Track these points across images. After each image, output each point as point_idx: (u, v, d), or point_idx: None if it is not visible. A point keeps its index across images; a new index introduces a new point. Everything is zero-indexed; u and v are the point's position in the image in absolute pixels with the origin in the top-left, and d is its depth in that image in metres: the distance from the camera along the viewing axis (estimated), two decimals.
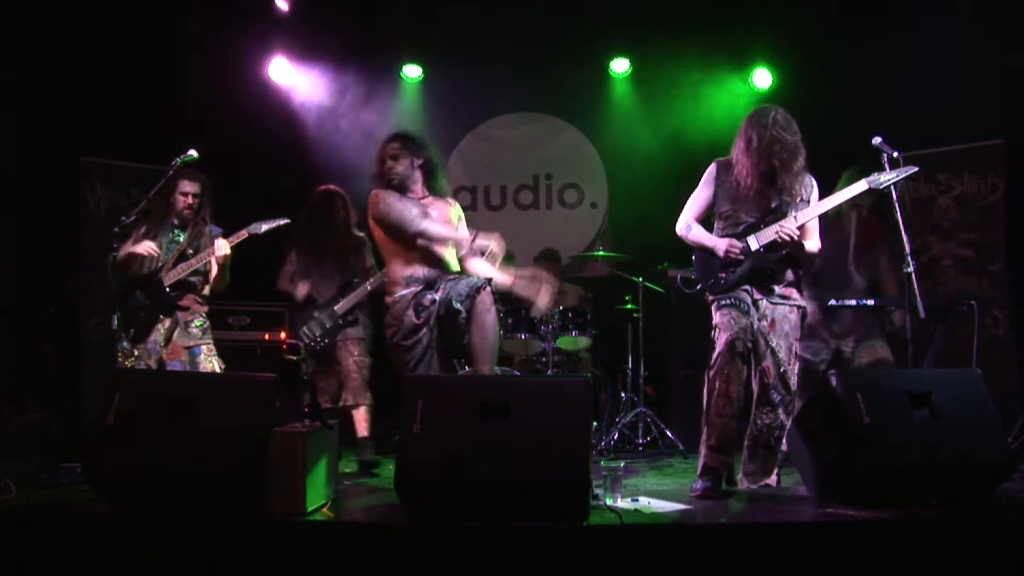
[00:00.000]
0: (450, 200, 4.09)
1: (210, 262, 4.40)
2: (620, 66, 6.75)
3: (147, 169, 5.95)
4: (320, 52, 6.61)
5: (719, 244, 3.62)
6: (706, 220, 3.80)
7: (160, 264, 4.38)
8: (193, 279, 4.41)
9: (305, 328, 4.68)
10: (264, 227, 4.37)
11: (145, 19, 5.84)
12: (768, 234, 3.58)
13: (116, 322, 4.20)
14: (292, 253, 4.83)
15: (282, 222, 4.44)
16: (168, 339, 4.35)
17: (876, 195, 3.72)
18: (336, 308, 4.67)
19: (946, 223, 5.82)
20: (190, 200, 4.43)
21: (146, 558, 2.80)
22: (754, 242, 3.59)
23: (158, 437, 3.05)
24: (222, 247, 4.29)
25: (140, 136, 5.93)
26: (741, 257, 3.58)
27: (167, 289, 4.34)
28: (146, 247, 4.30)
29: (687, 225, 3.75)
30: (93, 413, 4.12)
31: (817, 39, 6.08)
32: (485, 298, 3.71)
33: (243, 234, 4.35)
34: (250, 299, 5.66)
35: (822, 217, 3.71)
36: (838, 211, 4.18)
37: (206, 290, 4.49)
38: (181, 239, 4.44)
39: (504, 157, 7.10)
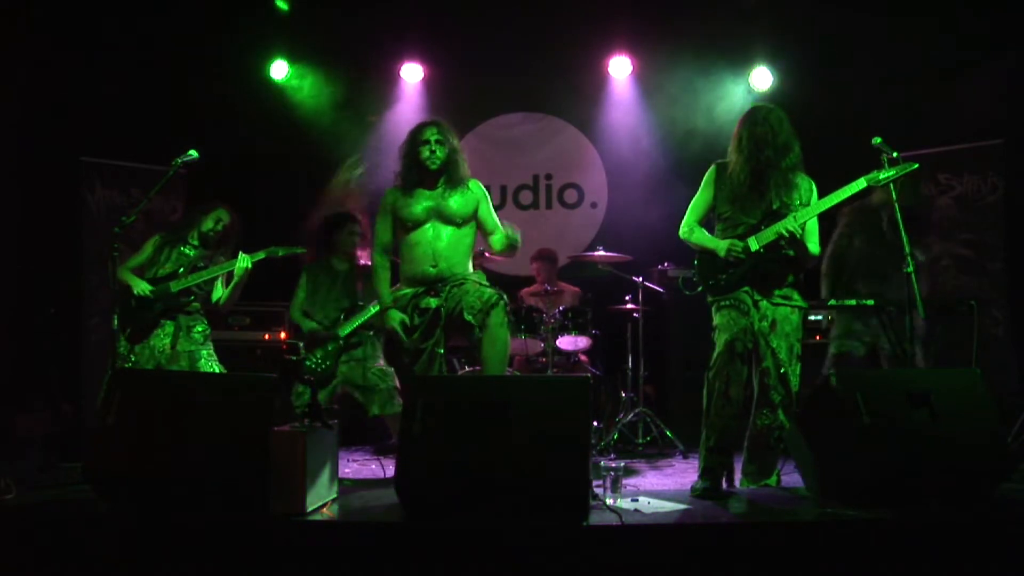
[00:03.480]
0: (469, 187, 3.97)
1: (217, 279, 4.43)
2: (620, 66, 6.75)
3: (147, 169, 5.97)
4: (320, 52, 6.61)
5: (720, 245, 3.64)
6: (709, 223, 3.82)
7: (168, 272, 4.40)
8: (197, 290, 4.43)
9: (308, 353, 4.70)
10: (282, 252, 4.44)
11: (145, 19, 5.84)
12: (768, 235, 3.58)
13: (116, 322, 4.20)
14: (304, 276, 4.85)
15: (299, 250, 4.54)
16: (173, 344, 4.36)
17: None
18: (339, 330, 4.68)
19: (946, 223, 5.81)
20: (219, 227, 4.48)
21: (146, 558, 2.80)
22: (754, 243, 3.60)
23: (158, 437, 3.05)
24: (244, 260, 4.33)
25: (140, 136, 5.93)
26: (743, 257, 3.59)
27: (171, 295, 4.36)
28: (140, 288, 4.35)
29: (690, 228, 3.77)
30: (93, 413, 4.12)
31: (817, 39, 6.08)
32: (499, 313, 3.72)
33: (260, 255, 4.41)
34: (250, 299, 5.66)
35: (825, 219, 3.71)
36: (872, 208, 4.37)
37: (207, 304, 4.51)
38: (191, 255, 4.45)
39: (504, 157, 7.10)
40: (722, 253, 3.61)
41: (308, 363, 4.67)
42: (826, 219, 3.77)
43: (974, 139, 5.74)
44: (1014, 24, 5.34)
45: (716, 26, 6.27)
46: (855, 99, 5.85)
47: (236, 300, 4.55)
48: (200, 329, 4.44)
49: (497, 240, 4.01)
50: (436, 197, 3.88)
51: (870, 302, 4.43)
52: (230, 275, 4.42)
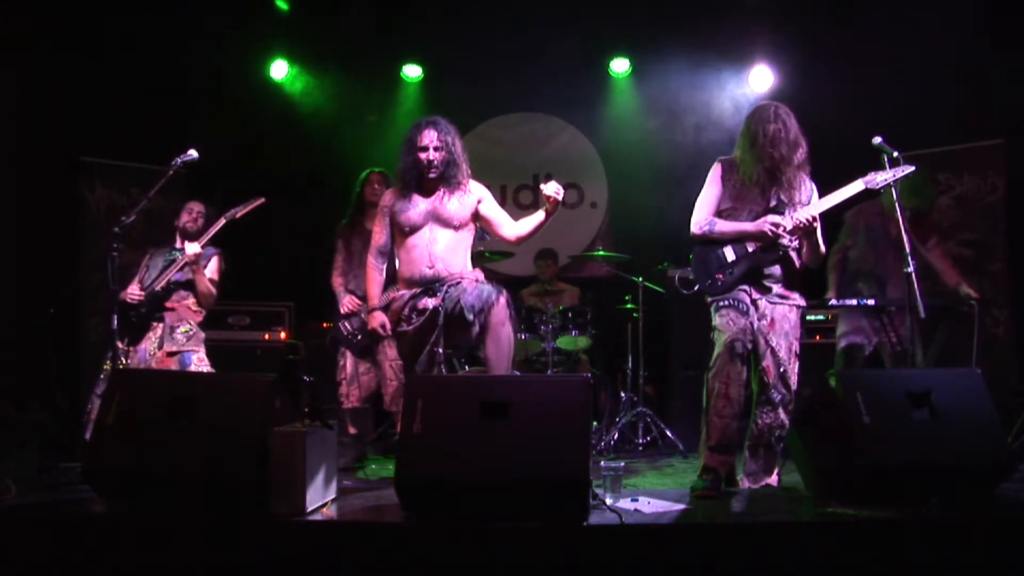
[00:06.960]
0: (468, 189, 3.93)
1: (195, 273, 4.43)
2: (620, 66, 6.76)
3: (147, 169, 5.96)
4: (320, 52, 6.62)
5: (761, 224, 3.56)
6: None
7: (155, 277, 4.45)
8: (184, 291, 4.46)
9: (344, 322, 4.61)
10: (240, 212, 4.36)
11: (145, 19, 5.84)
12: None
13: (116, 322, 4.21)
14: (339, 242, 4.74)
15: (258, 202, 4.40)
16: (160, 346, 4.38)
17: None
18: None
19: (946, 223, 5.81)
20: (194, 215, 4.52)
21: (146, 558, 2.80)
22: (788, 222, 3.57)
23: (158, 437, 3.05)
24: (191, 248, 4.34)
25: (140, 136, 5.93)
26: (785, 236, 3.54)
27: (155, 295, 4.40)
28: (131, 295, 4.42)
29: (709, 221, 3.67)
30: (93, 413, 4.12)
31: (817, 39, 6.08)
32: (500, 311, 3.67)
33: (220, 222, 4.38)
34: (250, 299, 5.67)
35: (824, 221, 3.71)
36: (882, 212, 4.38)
37: (195, 301, 4.52)
38: (177, 256, 4.47)
39: (504, 157, 7.11)
40: (767, 231, 3.53)
41: (348, 335, 4.61)
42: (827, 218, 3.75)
43: (974, 139, 5.75)
44: (1014, 23, 5.34)
45: (716, 26, 6.27)
46: (855, 99, 5.85)
47: (210, 291, 4.52)
48: (184, 331, 4.44)
49: (512, 229, 3.93)
50: (433, 201, 3.85)
51: (871, 301, 4.44)
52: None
